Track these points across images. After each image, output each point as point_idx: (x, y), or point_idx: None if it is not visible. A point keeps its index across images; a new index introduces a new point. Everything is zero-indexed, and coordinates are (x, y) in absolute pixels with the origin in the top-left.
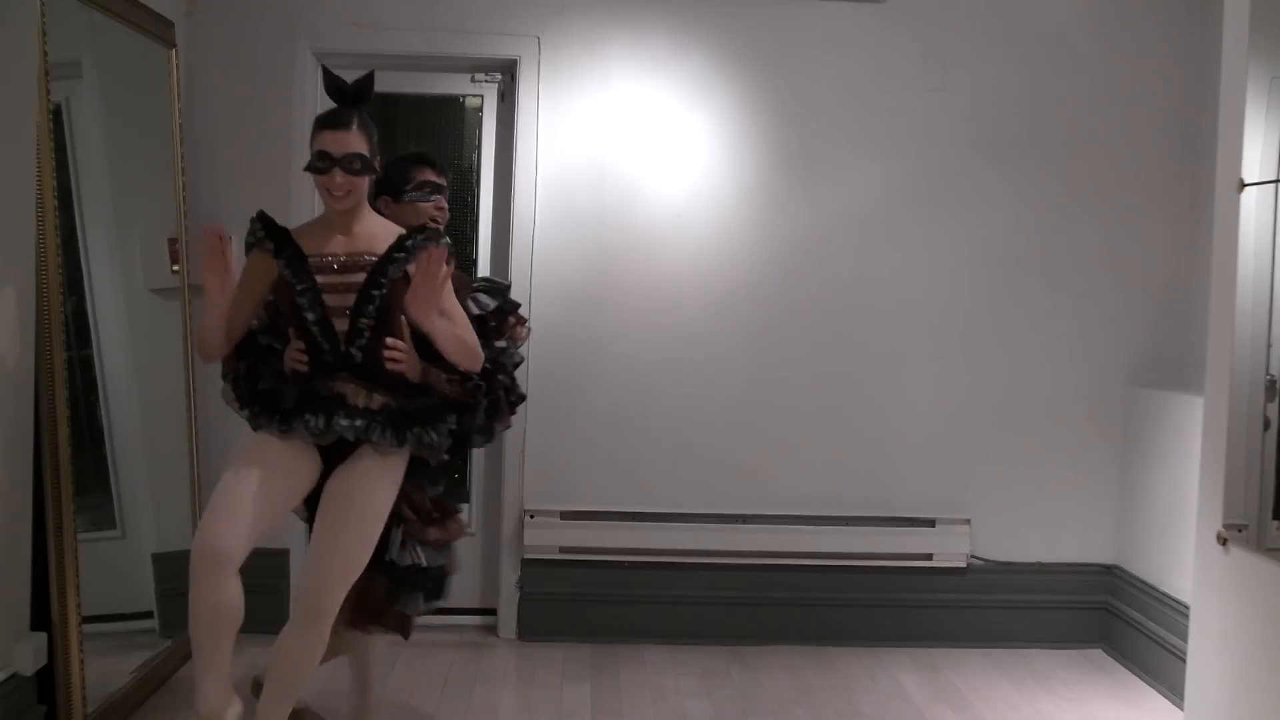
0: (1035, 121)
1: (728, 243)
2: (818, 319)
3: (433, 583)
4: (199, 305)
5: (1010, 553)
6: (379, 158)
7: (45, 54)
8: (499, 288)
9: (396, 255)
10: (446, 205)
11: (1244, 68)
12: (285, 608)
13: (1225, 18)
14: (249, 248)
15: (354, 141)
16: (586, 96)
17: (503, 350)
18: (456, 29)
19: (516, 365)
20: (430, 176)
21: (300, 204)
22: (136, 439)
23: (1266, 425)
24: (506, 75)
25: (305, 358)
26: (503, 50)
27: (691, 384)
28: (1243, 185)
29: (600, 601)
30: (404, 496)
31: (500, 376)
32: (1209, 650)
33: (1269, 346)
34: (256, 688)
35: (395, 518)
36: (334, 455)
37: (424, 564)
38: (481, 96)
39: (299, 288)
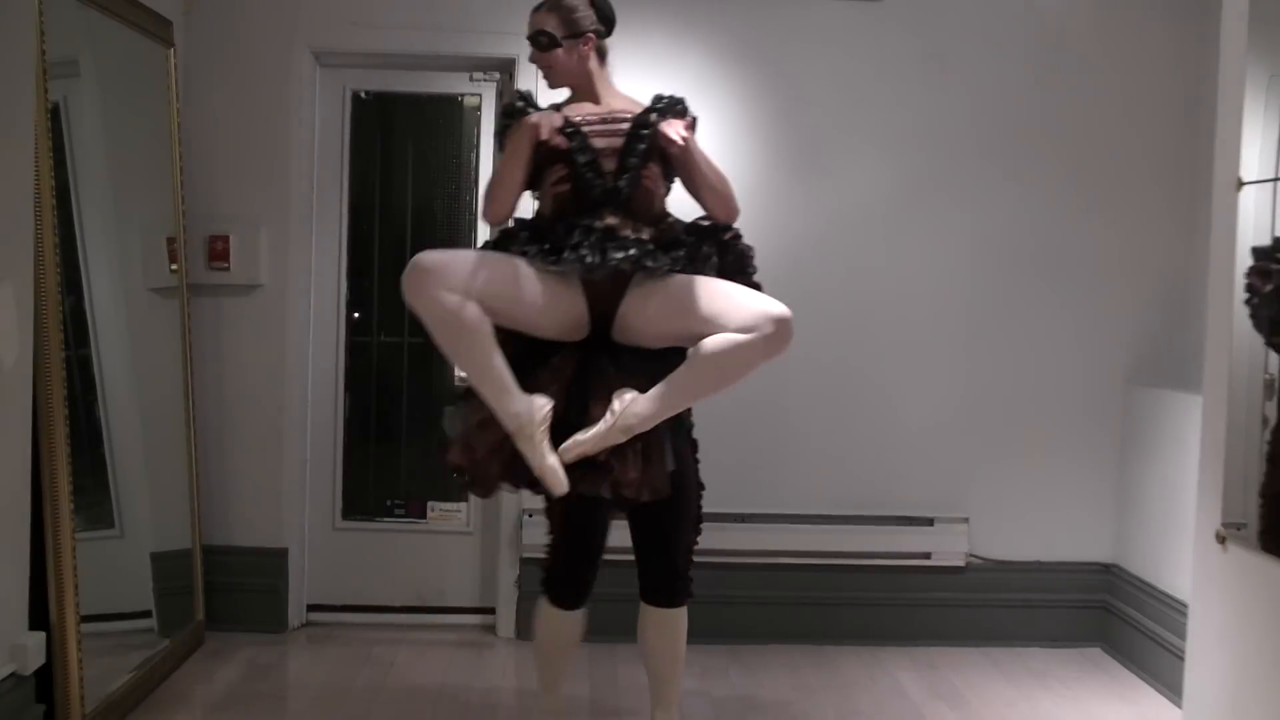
0: (1033, 120)
1: None
2: (816, 317)
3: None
4: (195, 304)
5: (1009, 551)
6: (592, 22)
7: (43, 53)
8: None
9: (654, 110)
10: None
11: (1242, 65)
12: (285, 608)
13: (1224, 15)
14: (508, 120)
15: (539, 19)
16: None
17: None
18: (454, 28)
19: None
20: None
21: (298, 204)
22: (135, 438)
23: (1265, 424)
24: (504, 74)
25: (568, 185)
26: (501, 49)
27: None
28: (1241, 183)
29: (598, 600)
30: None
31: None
32: (1207, 649)
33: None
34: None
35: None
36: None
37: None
38: (479, 95)
39: (568, 131)
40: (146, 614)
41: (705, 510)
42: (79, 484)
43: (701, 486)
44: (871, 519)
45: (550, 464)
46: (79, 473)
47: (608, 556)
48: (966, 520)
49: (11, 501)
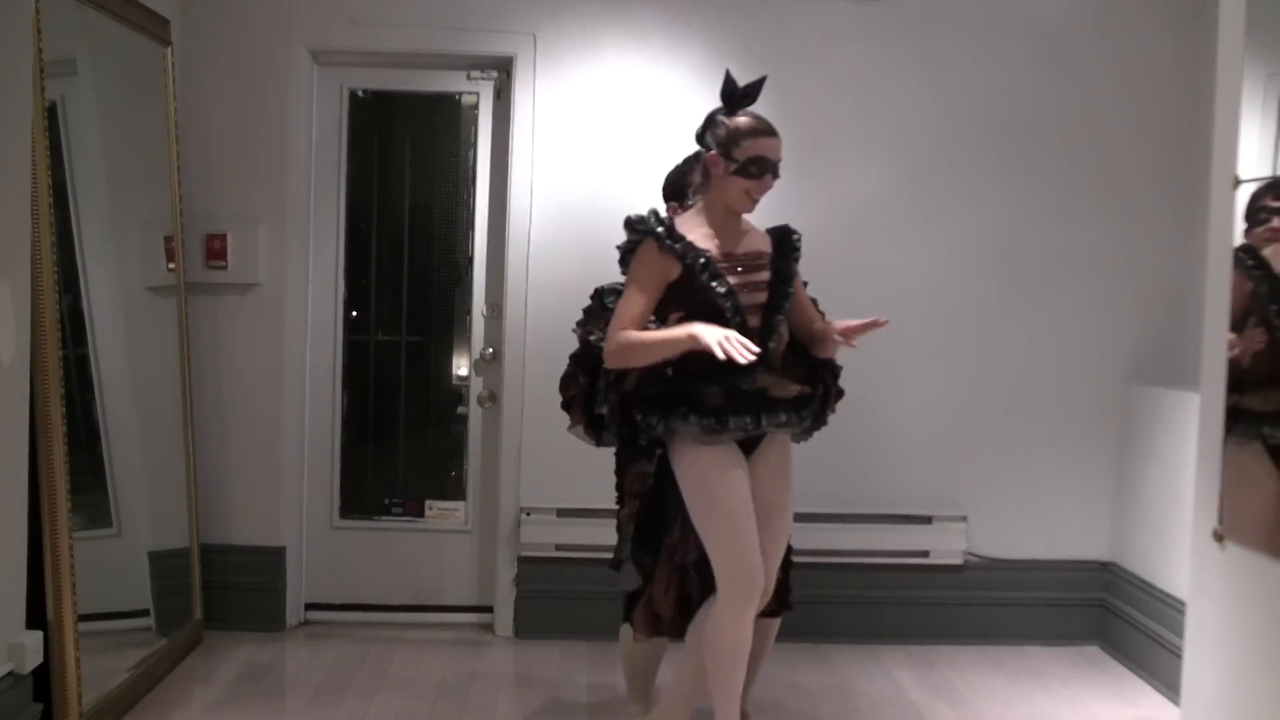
0: (1031, 119)
1: None
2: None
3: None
4: (192, 303)
5: (1007, 549)
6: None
7: (40, 51)
8: None
9: (793, 253)
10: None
11: (1240, 64)
12: (283, 606)
13: (1221, 14)
14: (639, 243)
15: (781, 147)
16: (583, 94)
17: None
18: (452, 26)
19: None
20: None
21: (296, 203)
22: (132, 437)
23: None
24: (502, 73)
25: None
26: (499, 48)
27: None
28: (1238, 182)
29: (597, 599)
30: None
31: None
32: (1205, 646)
33: None
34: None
35: None
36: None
37: None
38: (477, 94)
39: (721, 290)
40: (144, 613)
41: None
42: (76, 482)
43: None
44: (870, 517)
45: None
46: (76, 471)
47: (604, 554)
48: (965, 518)
49: (9, 500)
